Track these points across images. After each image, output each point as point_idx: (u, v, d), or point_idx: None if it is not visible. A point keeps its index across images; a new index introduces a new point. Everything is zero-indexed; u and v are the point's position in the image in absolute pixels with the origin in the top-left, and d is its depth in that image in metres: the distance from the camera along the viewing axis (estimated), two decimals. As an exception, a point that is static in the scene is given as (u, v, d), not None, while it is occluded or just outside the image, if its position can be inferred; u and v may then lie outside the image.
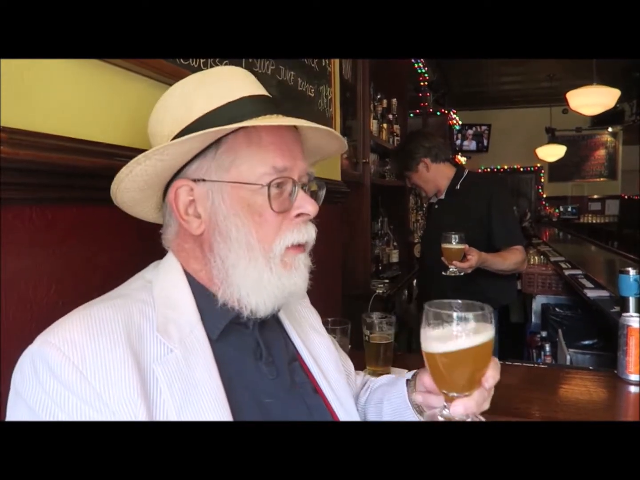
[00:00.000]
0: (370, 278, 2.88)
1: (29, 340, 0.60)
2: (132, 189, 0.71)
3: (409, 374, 0.84)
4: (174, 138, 0.68)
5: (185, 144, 0.65)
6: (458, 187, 2.32)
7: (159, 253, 0.76)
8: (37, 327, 0.64)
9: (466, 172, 2.37)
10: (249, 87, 0.73)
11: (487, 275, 2.14)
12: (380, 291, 2.74)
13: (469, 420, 0.66)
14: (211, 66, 1.09)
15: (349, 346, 1.47)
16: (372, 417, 0.87)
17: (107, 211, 0.79)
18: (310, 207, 0.70)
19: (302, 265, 0.71)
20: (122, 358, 0.59)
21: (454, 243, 1.88)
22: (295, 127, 0.73)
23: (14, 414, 0.59)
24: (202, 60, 1.05)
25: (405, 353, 2.39)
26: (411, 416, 0.79)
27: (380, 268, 3.31)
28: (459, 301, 0.65)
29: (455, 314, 0.61)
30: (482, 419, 0.67)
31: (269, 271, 0.68)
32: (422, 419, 0.78)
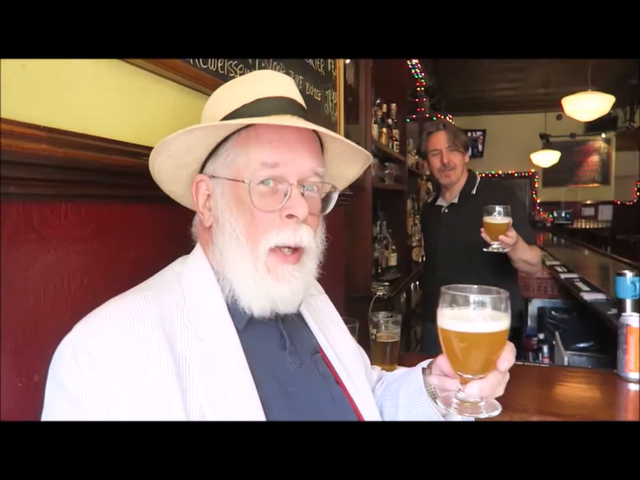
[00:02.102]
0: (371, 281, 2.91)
1: (64, 331, 0.63)
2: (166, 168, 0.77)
3: (424, 362, 0.85)
4: None
5: (180, 137, 0.70)
6: (474, 192, 2.24)
7: (185, 249, 0.79)
8: (71, 319, 0.67)
9: (479, 177, 2.31)
10: (274, 89, 0.75)
11: (500, 282, 2.15)
12: (381, 293, 2.77)
13: (482, 403, 0.67)
14: (228, 70, 1.12)
15: (356, 345, 1.50)
16: (388, 408, 0.90)
17: (135, 208, 0.82)
18: (300, 208, 0.69)
19: (291, 278, 0.71)
20: (158, 345, 0.62)
21: (499, 217, 1.74)
22: (313, 131, 0.75)
23: (54, 404, 0.61)
24: (219, 64, 1.09)
25: (407, 353, 2.42)
26: (426, 403, 0.80)
27: (379, 271, 3.34)
28: (475, 286, 0.66)
29: (472, 297, 0.63)
30: (497, 403, 0.68)
31: (255, 270, 0.70)
32: (436, 406, 0.79)
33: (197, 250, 0.78)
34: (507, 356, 0.67)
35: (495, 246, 1.78)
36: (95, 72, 0.78)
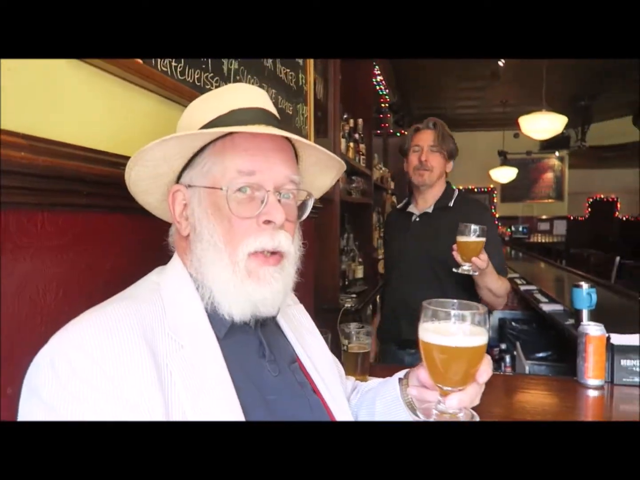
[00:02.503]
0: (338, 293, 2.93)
1: (39, 342, 0.61)
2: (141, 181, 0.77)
3: (400, 373, 0.87)
4: None
5: (156, 147, 0.71)
6: (451, 204, 2.03)
7: (162, 260, 0.79)
8: (46, 330, 0.66)
9: (457, 191, 2.10)
10: (248, 100, 0.77)
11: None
12: (349, 305, 2.80)
13: (461, 414, 0.69)
14: (204, 82, 1.13)
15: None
16: (363, 417, 0.91)
17: (112, 219, 0.81)
18: (277, 214, 0.71)
19: (271, 279, 0.72)
20: (140, 353, 0.61)
21: (474, 237, 1.58)
22: (287, 139, 0.77)
23: (29, 414, 0.59)
24: (196, 76, 1.09)
25: (374, 364, 2.43)
26: (402, 412, 0.83)
27: (346, 283, 3.37)
28: (456, 301, 0.68)
29: (453, 312, 0.65)
30: (474, 413, 0.71)
31: (234, 275, 0.70)
32: (413, 415, 0.81)
33: (175, 260, 0.78)
34: (486, 369, 0.69)
35: (466, 267, 1.65)
36: (74, 80, 0.77)
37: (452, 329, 0.65)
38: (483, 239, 1.61)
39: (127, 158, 0.86)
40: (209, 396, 0.65)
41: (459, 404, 0.68)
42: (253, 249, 0.71)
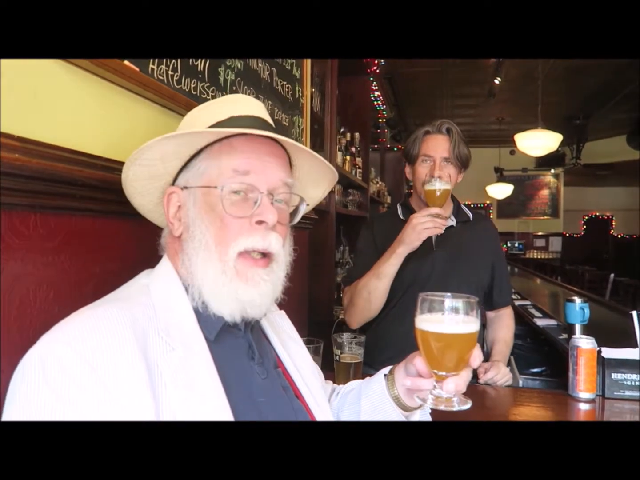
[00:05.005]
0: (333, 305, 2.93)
1: (28, 342, 0.61)
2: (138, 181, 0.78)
3: (385, 370, 0.90)
4: None
5: (156, 145, 0.72)
6: (472, 217, 1.81)
7: (153, 264, 0.79)
8: (35, 332, 0.66)
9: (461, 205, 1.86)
10: (246, 109, 0.80)
11: None
12: (342, 317, 2.80)
13: (455, 398, 0.73)
14: (200, 91, 1.14)
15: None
16: (346, 418, 0.93)
17: (103, 222, 0.81)
18: (269, 215, 0.72)
19: (260, 281, 0.73)
20: (131, 354, 0.61)
21: (439, 184, 1.52)
22: (282, 148, 0.79)
23: (13, 416, 0.57)
24: (192, 85, 1.11)
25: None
26: (389, 407, 0.85)
27: (341, 295, 3.37)
28: (449, 293, 0.72)
29: (447, 302, 0.71)
30: (467, 399, 0.74)
31: (224, 275, 0.71)
32: (399, 410, 0.85)
33: (164, 262, 0.78)
34: (478, 354, 0.74)
35: (434, 211, 1.48)
36: (69, 85, 0.78)
37: (447, 319, 0.70)
38: (449, 186, 1.57)
39: (121, 163, 0.87)
40: (200, 398, 0.65)
41: (455, 387, 0.72)
42: (243, 248, 0.71)
